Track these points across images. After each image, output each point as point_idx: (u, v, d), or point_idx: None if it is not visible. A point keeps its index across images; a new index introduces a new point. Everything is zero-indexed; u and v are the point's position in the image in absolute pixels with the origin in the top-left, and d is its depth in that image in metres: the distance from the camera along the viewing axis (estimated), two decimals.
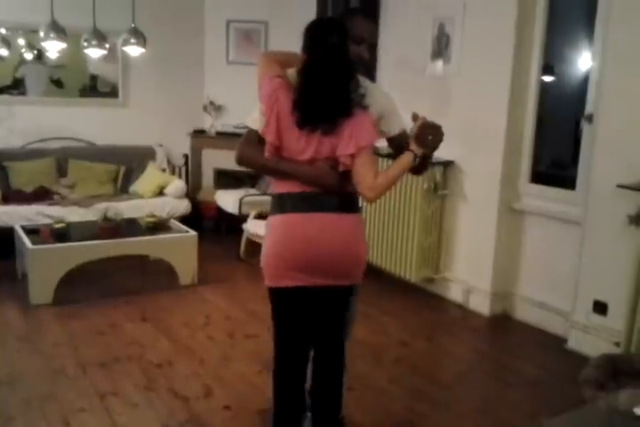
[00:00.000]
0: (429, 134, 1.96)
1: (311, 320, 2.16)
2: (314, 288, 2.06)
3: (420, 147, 1.96)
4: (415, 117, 2.00)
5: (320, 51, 1.92)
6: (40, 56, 5.38)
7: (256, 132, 2.02)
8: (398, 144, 2.11)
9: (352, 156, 1.94)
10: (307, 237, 2.00)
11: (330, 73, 1.92)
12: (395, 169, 1.97)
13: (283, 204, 2.05)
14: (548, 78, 4.10)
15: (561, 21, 3.95)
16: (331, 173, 1.98)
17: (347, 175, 1.99)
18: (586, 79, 3.57)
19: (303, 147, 1.96)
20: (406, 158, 1.97)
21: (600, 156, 3.21)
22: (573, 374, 2.42)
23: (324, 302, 2.12)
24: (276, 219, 2.07)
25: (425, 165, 2.11)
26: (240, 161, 2.07)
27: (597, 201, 3.23)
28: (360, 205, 2.13)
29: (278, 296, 2.12)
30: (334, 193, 2.01)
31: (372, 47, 2.12)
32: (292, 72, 2.03)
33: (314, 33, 1.95)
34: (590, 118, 3.33)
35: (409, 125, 2.07)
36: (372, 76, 4.58)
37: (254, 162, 2.07)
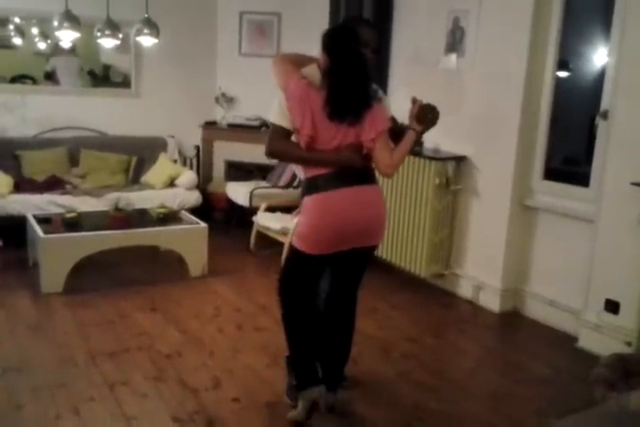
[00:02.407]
0: (428, 113, 2.37)
1: (332, 277, 2.55)
2: (348, 251, 2.41)
3: (419, 124, 2.38)
4: (414, 101, 2.40)
5: (344, 55, 2.29)
6: (74, 48, 5.40)
7: (281, 127, 2.34)
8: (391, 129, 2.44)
9: (373, 140, 2.32)
10: (338, 210, 2.35)
11: (354, 73, 2.30)
12: (404, 147, 2.37)
13: (316, 185, 2.37)
14: (562, 74, 4.06)
15: (577, 16, 3.91)
16: (356, 156, 2.35)
17: (365, 156, 2.37)
18: (601, 75, 3.53)
19: (332, 136, 2.32)
20: (410, 136, 2.38)
21: (614, 153, 3.17)
22: (583, 373, 2.41)
23: (353, 261, 2.49)
24: (311, 199, 2.39)
25: (418, 141, 2.55)
26: (272, 154, 2.39)
27: (611, 199, 3.20)
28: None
29: (305, 258, 2.44)
30: (358, 169, 2.36)
31: (374, 51, 2.44)
32: (308, 71, 2.36)
33: (336, 39, 2.32)
34: (605, 115, 3.29)
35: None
36: (380, 73, 4.58)
37: (288, 154, 2.42)
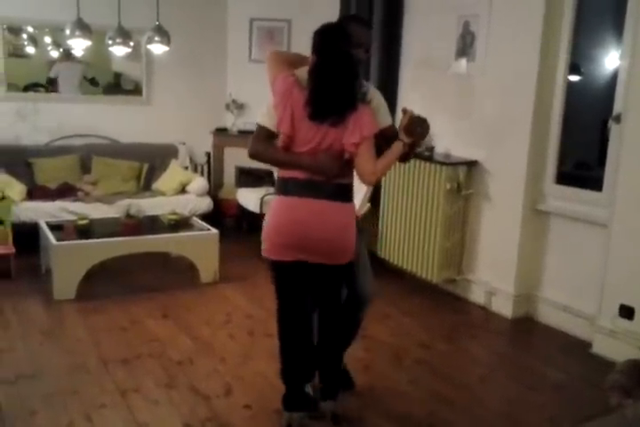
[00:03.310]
0: (417, 126, 2.27)
1: (309, 287, 2.47)
2: (304, 263, 2.36)
3: (407, 137, 2.27)
4: (405, 111, 2.30)
5: (331, 54, 2.22)
6: (71, 55, 5.45)
7: (265, 128, 2.29)
8: (385, 136, 2.35)
9: (356, 145, 2.23)
10: (299, 219, 2.30)
11: (339, 73, 2.21)
12: (389, 157, 2.28)
13: (285, 187, 2.33)
14: (574, 78, 4.04)
15: (589, 20, 3.88)
16: (332, 162, 2.26)
17: (345, 166, 2.29)
18: (613, 79, 3.50)
19: (311, 137, 2.25)
20: (397, 147, 2.28)
21: (628, 156, 3.14)
22: (598, 380, 2.38)
23: (316, 275, 2.42)
24: (278, 200, 2.37)
25: (410, 154, 2.38)
26: (252, 155, 2.31)
27: (625, 203, 3.17)
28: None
29: (275, 267, 2.43)
30: (332, 183, 2.29)
31: (367, 51, 2.37)
32: (300, 72, 2.30)
33: (325, 38, 2.24)
34: (618, 118, 3.26)
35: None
36: (390, 77, 4.57)
37: (266, 156, 2.33)
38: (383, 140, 2.34)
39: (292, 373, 2.52)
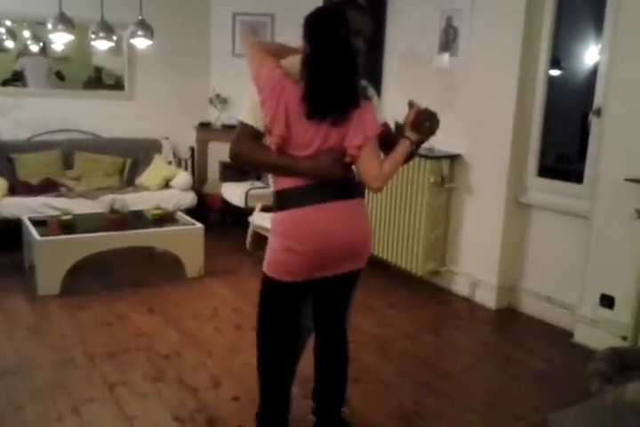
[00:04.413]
0: (426, 120, 2.00)
1: (302, 316, 2.18)
2: (328, 278, 2.08)
3: (415, 133, 2.00)
4: (411, 105, 2.04)
5: (327, 41, 1.90)
6: (43, 48, 5.37)
7: (250, 126, 1.98)
8: (382, 136, 2.07)
9: (359, 147, 1.95)
10: (320, 230, 1.99)
11: (339, 64, 1.91)
12: (396, 157, 2.00)
13: (287, 200, 2.02)
14: (555, 72, 4.09)
15: (569, 15, 3.94)
16: (334, 165, 1.97)
17: (348, 165, 2.03)
18: (594, 73, 3.56)
19: (310, 138, 1.95)
20: (404, 146, 2.00)
21: (608, 149, 3.20)
22: (580, 368, 2.43)
23: (337, 288, 2.15)
24: (282, 216, 2.04)
25: (415, 152, 2.10)
26: (236, 157, 1.99)
27: (605, 195, 3.23)
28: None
29: (283, 289, 2.08)
30: (340, 180, 2.01)
31: (366, 40, 2.08)
32: (286, 63, 2.01)
33: (319, 23, 1.93)
34: (599, 112, 3.32)
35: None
36: (373, 71, 4.57)
37: (254, 158, 2.00)
38: (380, 140, 2.07)
39: (277, 403, 2.25)
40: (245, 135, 1.98)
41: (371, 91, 2.07)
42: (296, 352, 2.26)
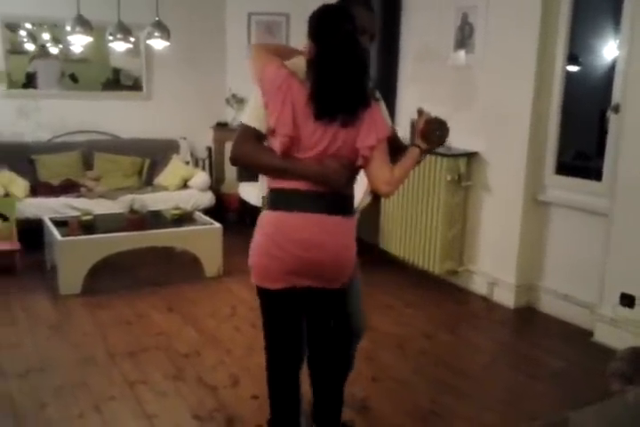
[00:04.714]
0: (436, 130, 1.97)
1: (301, 323, 2.12)
2: (305, 289, 1.99)
3: (424, 142, 1.98)
4: (420, 113, 2.00)
5: (334, 39, 1.85)
6: (60, 51, 5.44)
7: (252, 128, 1.90)
8: (390, 141, 2.02)
9: (372, 148, 1.89)
10: (305, 239, 1.91)
11: (347, 62, 1.85)
12: (407, 163, 1.96)
13: (280, 200, 1.94)
14: (573, 68, 4.05)
15: (587, 10, 3.90)
16: (340, 172, 1.90)
17: (353, 175, 1.97)
18: (612, 69, 3.52)
19: (317, 140, 1.87)
20: (414, 153, 1.97)
21: (627, 146, 3.17)
22: (599, 368, 2.41)
23: (314, 303, 2.07)
24: (271, 216, 1.96)
25: (421, 159, 2.06)
26: (237, 160, 1.92)
27: (624, 192, 3.19)
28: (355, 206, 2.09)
29: (268, 297, 2.04)
30: (337, 194, 1.93)
31: (372, 38, 2.04)
32: (290, 63, 1.95)
33: (325, 21, 1.88)
34: (617, 108, 3.28)
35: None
36: (388, 69, 4.55)
37: (256, 160, 1.92)
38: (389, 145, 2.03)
39: (287, 414, 2.18)
40: (247, 137, 1.91)
41: (377, 93, 2.02)
42: (300, 358, 2.18)
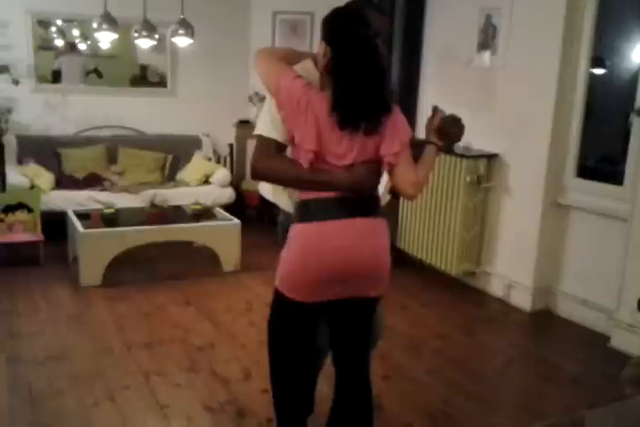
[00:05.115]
0: (452, 127, 1.95)
1: (332, 345, 2.06)
2: (342, 301, 1.94)
3: (440, 140, 1.95)
4: (435, 110, 1.98)
5: (350, 44, 1.79)
6: (87, 47, 5.55)
7: (273, 140, 1.86)
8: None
9: (397, 154, 1.86)
10: (343, 247, 1.85)
11: (365, 68, 1.80)
12: (426, 163, 1.94)
13: (311, 211, 1.88)
14: (598, 71, 4.00)
15: (614, 12, 3.84)
16: (370, 178, 1.87)
17: (379, 179, 1.95)
18: (638, 72, 3.47)
19: (344, 150, 1.83)
20: (431, 151, 1.95)
21: None
22: (615, 373, 2.38)
23: (350, 313, 1.99)
24: (304, 228, 1.89)
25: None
26: (259, 175, 1.88)
27: None
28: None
29: (297, 310, 1.96)
30: (366, 196, 1.91)
31: (384, 42, 1.99)
32: (300, 69, 1.91)
33: (339, 25, 1.83)
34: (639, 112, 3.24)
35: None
36: (411, 71, 4.55)
37: (282, 176, 1.87)
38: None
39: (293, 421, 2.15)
40: (268, 150, 1.85)
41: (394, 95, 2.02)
42: (308, 370, 2.16)
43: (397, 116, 1.89)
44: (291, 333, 2.05)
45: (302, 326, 2.03)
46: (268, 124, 1.87)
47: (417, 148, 1.96)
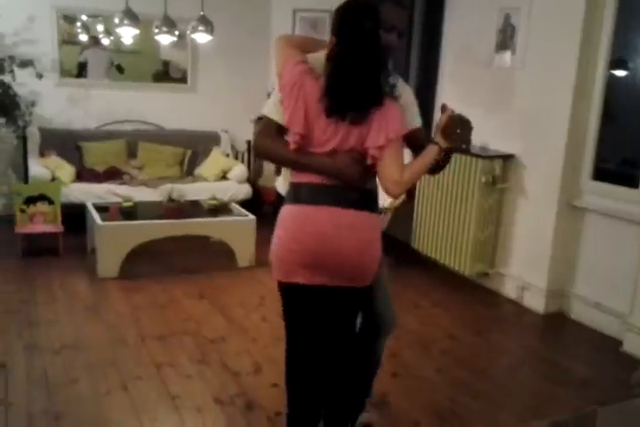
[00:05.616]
0: (458, 128, 1.88)
1: (322, 322, 2.08)
2: (323, 287, 1.96)
3: (445, 140, 1.88)
4: (444, 108, 1.92)
5: (353, 35, 1.82)
6: (98, 41, 5.64)
7: (274, 122, 1.93)
8: (412, 141, 2.00)
9: (381, 148, 1.85)
10: (321, 233, 1.89)
11: (363, 59, 1.83)
12: (419, 163, 1.90)
13: (299, 194, 1.94)
14: (620, 73, 3.96)
15: (635, 12, 3.80)
16: (353, 167, 1.87)
17: (368, 170, 1.91)
18: None
19: (329, 136, 1.87)
20: (431, 151, 1.88)
21: None
22: (626, 377, 2.38)
23: (332, 303, 2.01)
24: (290, 209, 1.96)
25: (444, 163, 1.96)
26: (258, 152, 2.02)
27: None
28: (381, 205, 2.07)
29: (288, 292, 2.04)
30: (357, 189, 1.91)
31: (401, 35, 1.96)
32: (313, 58, 1.94)
33: (347, 16, 1.85)
34: None
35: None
36: (429, 71, 4.55)
37: (273, 154, 1.98)
38: (410, 146, 2.02)
39: (301, 419, 2.16)
40: (268, 130, 1.96)
41: (401, 89, 1.97)
42: (319, 364, 2.14)
43: (390, 110, 1.87)
44: (289, 313, 2.10)
45: (293, 306, 2.07)
46: (272, 106, 1.95)
47: (423, 148, 1.93)
